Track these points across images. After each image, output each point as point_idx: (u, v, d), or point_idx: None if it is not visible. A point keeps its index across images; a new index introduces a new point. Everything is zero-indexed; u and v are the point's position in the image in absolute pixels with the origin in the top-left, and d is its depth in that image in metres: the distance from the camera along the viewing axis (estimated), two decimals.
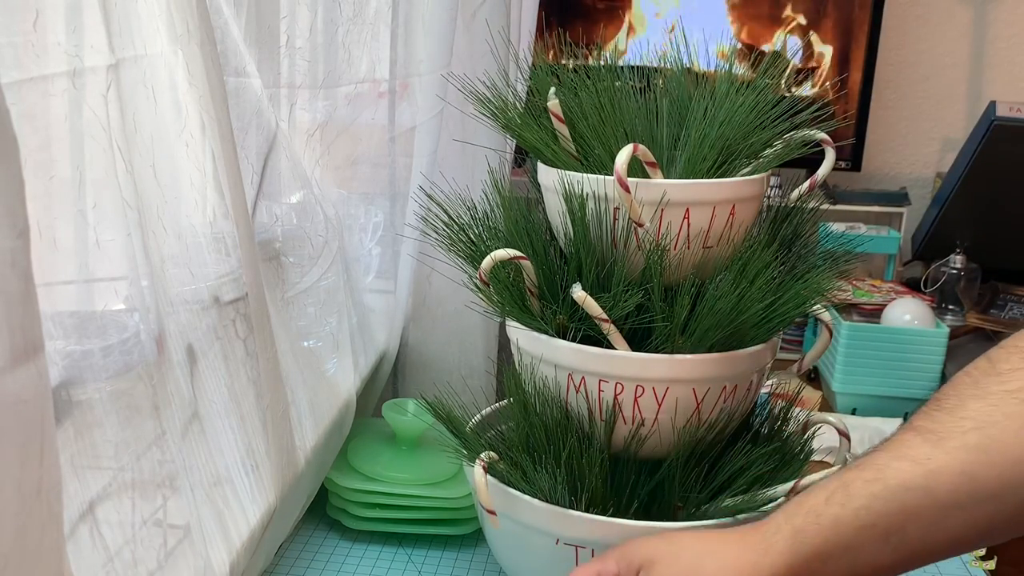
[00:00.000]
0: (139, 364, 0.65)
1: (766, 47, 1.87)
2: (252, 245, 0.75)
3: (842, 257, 0.88)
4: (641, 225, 0.78)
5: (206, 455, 0.73)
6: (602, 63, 0.87)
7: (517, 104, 0.89)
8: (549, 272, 0.83)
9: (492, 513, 0.81)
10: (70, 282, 0.60)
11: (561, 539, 0.79)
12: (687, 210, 0.79)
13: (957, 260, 1.80)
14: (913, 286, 1.80)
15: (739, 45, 1.86)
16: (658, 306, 0.78)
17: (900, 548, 0.62)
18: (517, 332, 0.85)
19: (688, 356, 0.79)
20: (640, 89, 0.88)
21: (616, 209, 0.79)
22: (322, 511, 1.05)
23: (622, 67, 0.89)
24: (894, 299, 1.64)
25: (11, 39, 0.52)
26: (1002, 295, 1.82)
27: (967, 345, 1.71)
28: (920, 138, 2.08)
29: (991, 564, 1.03)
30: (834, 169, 0.93)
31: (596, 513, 0.79)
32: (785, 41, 1.87)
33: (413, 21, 1.18)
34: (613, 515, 0.79)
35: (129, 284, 0.64)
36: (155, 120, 0.65)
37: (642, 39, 1.85)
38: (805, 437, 0.89)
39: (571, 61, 0.88)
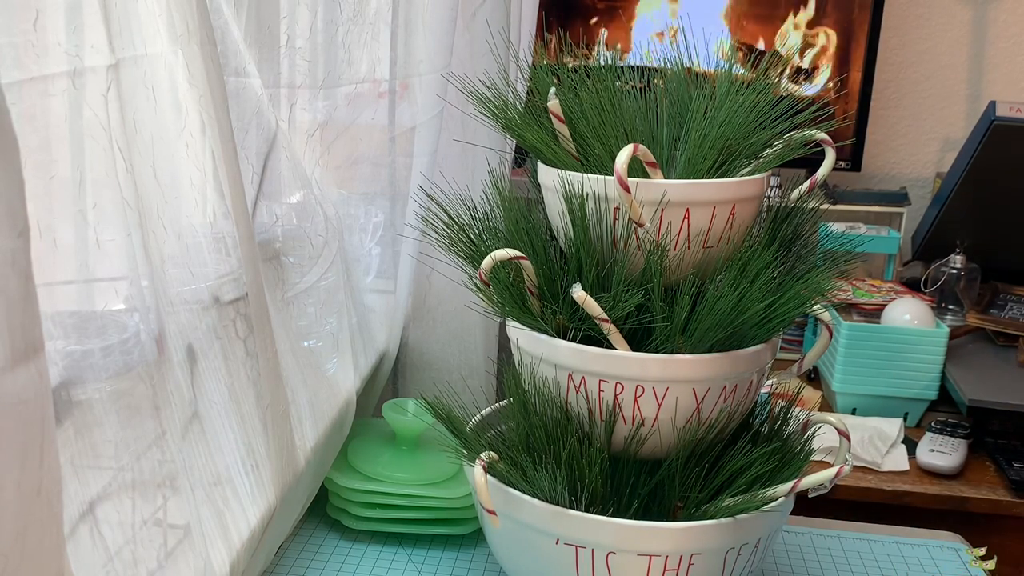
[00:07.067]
0: (139, 364, 0.65)
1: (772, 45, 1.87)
2: (252, 245, 0.75)
3: (842, 257, 0.88)
4: (641, 225, 0.78)
5: (206, 455, 0.73)
6: (603, 62, 0.87)
7: (517, 104, 0.89)
8: (549, 272, 0.83)
9: (492, 513, 0.81)
10: (70, 282, 0.60)
11: (561, 539, 0.79)
12: (687, 210, 0.79)
13: (957, 260, 1.80)
14: (913, 286, 1.80)
15: (738, 45, 1.86)
16: (658, 306, 0.78)
17: None
18: (517, 332, 0.85)
19: (688, 356, 0.79)
20: (640, 89, 0.88)
21: (616, 209, 0.79)
22: (322, 511, 1.05)
23: (622, 67, 0.88)
24: (894, 299, 1.64)
25: (11, 39, 0.52)
26: (1002, 295, 1.82)
27: (967, 345, 1.71)
28: (920, 138, 2.08)
29: (991, 564, 1.03)
30: (834, 169, 0.93)
31: (596, 513, 0.79)
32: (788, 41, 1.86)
33: (413, 21, 1.17)
34: (613, 515, 0.79)
35: (129, 284, 0.64)
36: (155, 120, 0.65)
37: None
38: (805, 437, 0.89)
39: (576, 57, 0.88)
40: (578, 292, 0.78)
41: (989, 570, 1.03)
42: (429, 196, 0.90)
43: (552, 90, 0.84)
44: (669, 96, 0.88)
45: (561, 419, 0.82)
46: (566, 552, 0.79)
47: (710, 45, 0.88)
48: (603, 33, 1.88)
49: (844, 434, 0.89)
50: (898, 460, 1.49)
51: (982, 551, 1.06)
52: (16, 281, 0.42)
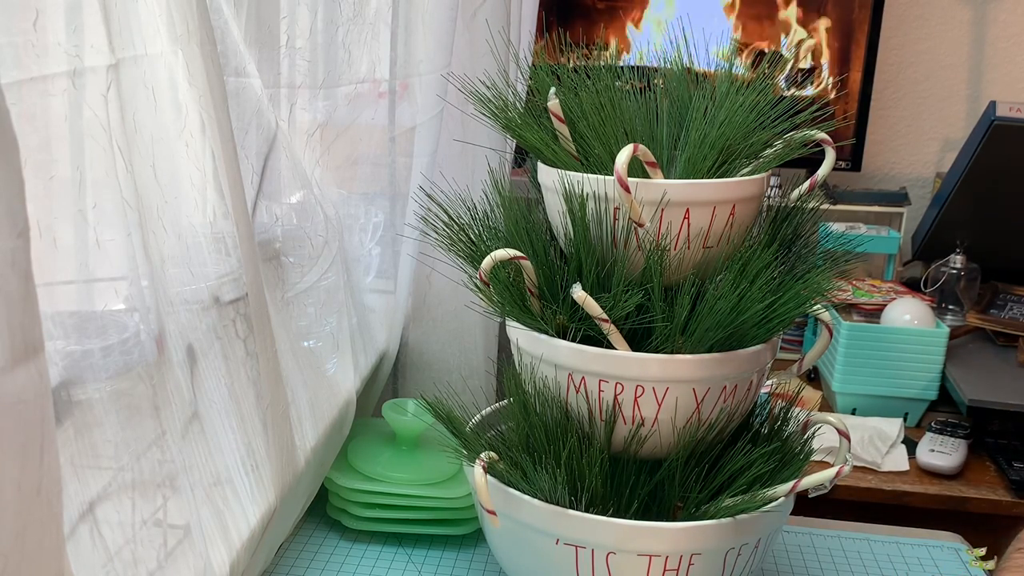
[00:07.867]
0: (139, 364, 0.65)
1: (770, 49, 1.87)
2: (252, 245, 0.75)
3: (842, 257, 0.88)
4: (641, 225, 0.78)
5: (206, 455, 0.73)
6: (603, 63, 0.87)
7: (517, 104, 0.89)
8: (549, 272, 0.83)
9: (492, 513, 0.81)
10: (70, 282, 0.60)
11: (561, 539, 0.79)
12: (687, 210, 0.79)
13: (957, 260, 1.80)
14: (913, 286, 1.80)
15: (738, 45, 1.86)
16: (658, 306, 0.78)
17: None
18: (517, 332, 0.85)
19: (688, 356, 0.79)
20: (640, 89, 0.88)
21: (616, 209, 0.79)
22: (322, 511, 1.05)
23: (622, 67, 0.88)
24: (894, 299, 1.64)
25: (11, 39, 0.52)
26: (1002, 295, 1.82)
27: (967, 345, 1.71)
28: (920, 138, 2.08)
29: (991, 564, 1.03)
30: (834, 169, 0.93)
31: (596, 513, 0.79)
32: (793, 40, 1.86)
33: (413, 21, 1.17)
34: (613, 515, 0.79)
35: (129, 284, 0.64)
36: (155, 120, 0.65)
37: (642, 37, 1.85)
38: (805, 437, 0.89)
39: (575, 57, 0.88)
40: (578, 292, 0.78)
41: (989, 570, 1.03)
42: (429, 196, 0.90)
43: (552, 90, 0.84)
44: (669, 96, 0.88)
45: (561, 419, 0.82)
46: (566, 552, 0.79)
47: (710, 44, 0.88)
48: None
49: (844, 434, 0.89)
50: (898, 460, 1.49)
51: (982, 551, 1.06)
52: (16, 281, 0.42)
